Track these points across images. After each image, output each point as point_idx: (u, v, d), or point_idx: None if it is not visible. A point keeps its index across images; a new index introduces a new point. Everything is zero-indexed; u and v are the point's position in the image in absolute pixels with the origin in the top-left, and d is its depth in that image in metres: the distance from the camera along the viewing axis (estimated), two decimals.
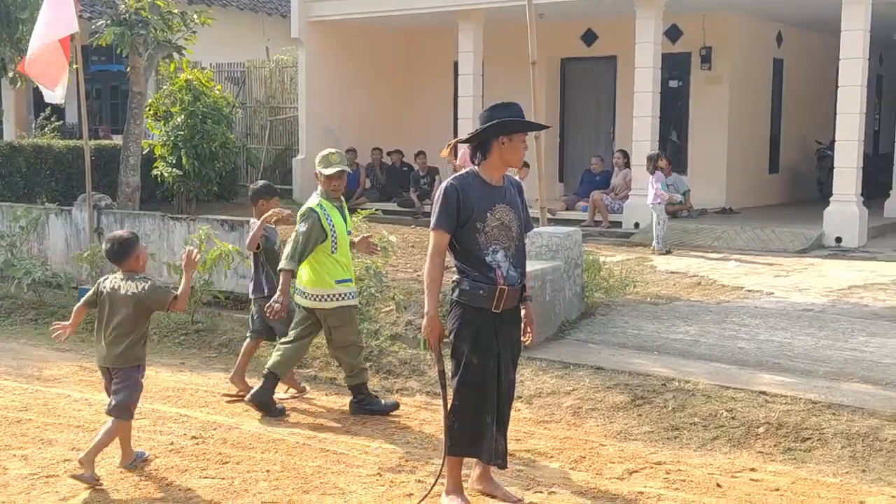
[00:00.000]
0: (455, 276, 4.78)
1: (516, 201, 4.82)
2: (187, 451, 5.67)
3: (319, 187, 6.60)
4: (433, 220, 4.73)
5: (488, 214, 4.68)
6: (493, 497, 4.91)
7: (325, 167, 6.50)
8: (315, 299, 6.41)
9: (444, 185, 4.76)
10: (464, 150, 11.69)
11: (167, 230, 10.51)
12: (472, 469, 5.02)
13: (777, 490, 5.11)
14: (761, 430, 5.95)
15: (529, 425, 6.24)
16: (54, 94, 10.30)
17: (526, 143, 4.83)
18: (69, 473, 5.16)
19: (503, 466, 4.96)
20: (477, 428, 4.72)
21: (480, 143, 4.73)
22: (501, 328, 4.74)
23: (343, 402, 6.81)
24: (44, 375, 7.59)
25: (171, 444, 5.81)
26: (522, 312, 4.88)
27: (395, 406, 6.58)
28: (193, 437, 5.94)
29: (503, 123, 4.65)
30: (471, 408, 4.71)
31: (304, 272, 6.42)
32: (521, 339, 4.93)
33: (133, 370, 5.34)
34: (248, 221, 10.04)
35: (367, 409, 6.51)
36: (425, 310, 4.68)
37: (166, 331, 8.90)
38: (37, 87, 16.02)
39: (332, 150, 6.70)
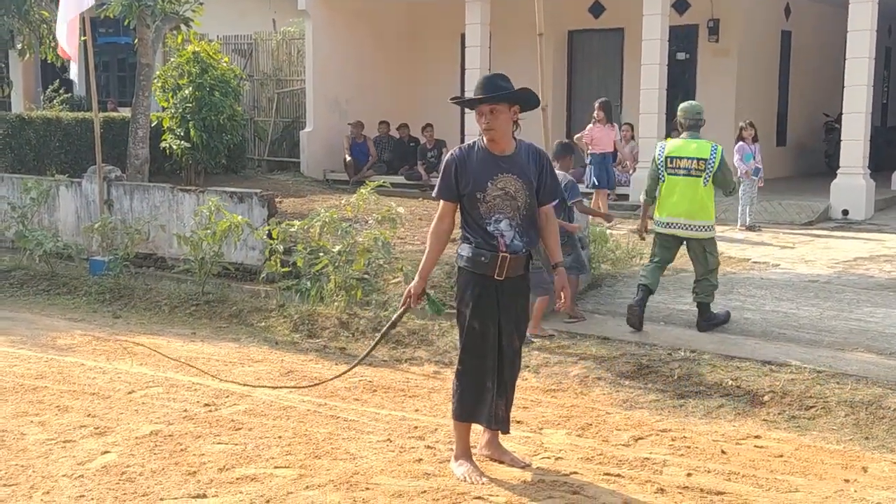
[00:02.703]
0: (459, 244, 4.88)
1: (527, 171, 4.77)
2: (200, 418, 5.77)
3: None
4: (435, 189, 4.93)
5: (489, 184, 4.72)
6: (502, 462, 4.99)
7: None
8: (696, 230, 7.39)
9: (446, 155, 4.88)
10: (589, 129, 11.90)
11: (176, 202, 10.59)
12: (480, 436, 5.10)
13: (781, 456, 5.19)
14: (766, 398, 6.03)
15: (537, 394, 6.32)
16: (74, 71, 10.47)
17: (486, 114, 4.70)
18: None
19: (506, 431, 5.04)
20: (478, 392, 4.82)
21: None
22: (503, 295, 4.79)
23: (353, 371, 6.90)
24: (58, 344, 7.69)
25: (185, 411, 5.91)
26: (555, 279, 4.97)
27: (728, 315, 7.54)
28: (206, 405, 6.04)
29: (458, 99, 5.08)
30: (472, 372, 4.82)
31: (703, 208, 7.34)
32: (556, 305, 5.09)
33: None
34: (256, 193, 10.12)
35: (714, 324, 7.37)
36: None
37: (177, 301, 8.99)
38: (45, 60, 16.13)
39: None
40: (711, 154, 7.31)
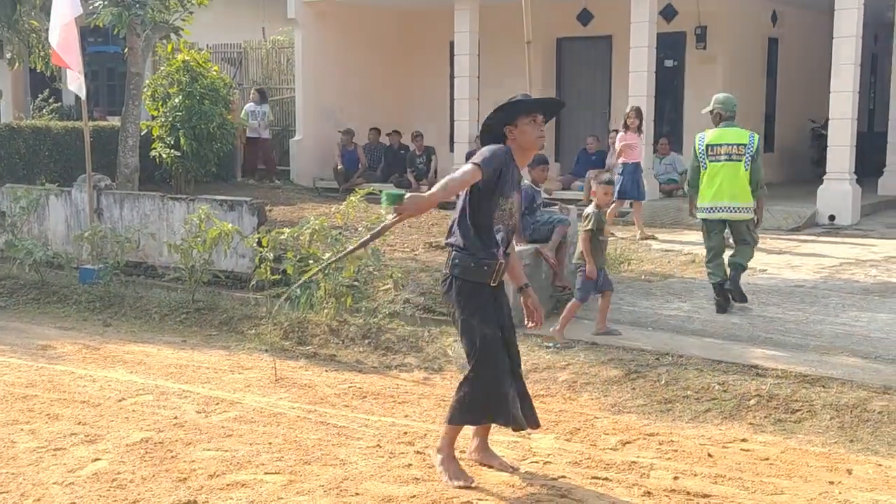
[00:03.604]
0: (455, 253, 4.81)
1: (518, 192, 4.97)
2: (191, 425, 5.79)
3: None
4: (478, 158, 4.61)
5: (511, 195, 4.79)
6: (490, 467, 5.03)
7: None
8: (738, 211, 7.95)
9: (496, 146, 4.71)
10: (621, 136, 11.65)
11: (167, 210, 10.61)
12: (469, 440, 5.14)
13: (767, 459, 5.25)
14: (752, 402, 6.08)
15: None
16: (76, 84, 10.48)
17: (541, 124, 4.79)
18: None
19: (538, 425, 5.01)
20: (499, 397, 4.78)
21: (495, 135, 4.80)
22: (499, 299, 4.90)
23: (342, 377, 6.95)
24: (48, 353, 7.71)
25: (175, 418, 5.94)
26: (523, 300, 5.02)
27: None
28: (197, 412, 6.07)
29: (502, 108, 4.76)
30: (491, 379, 4.77)
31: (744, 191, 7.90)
32: (528, 324, 5.06)
33: None
34: (246, 201, 10.15)
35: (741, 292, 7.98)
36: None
37: (167, 309, 9.01)
38: (33, 69, 16.15)
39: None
40: (750, 140, 7.93)
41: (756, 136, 7.99)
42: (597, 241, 7.48)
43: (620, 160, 11.86)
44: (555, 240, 8.21)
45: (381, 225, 4.85)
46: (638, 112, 12.10)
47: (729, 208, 7.94)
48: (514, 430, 5.04)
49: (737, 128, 8.03)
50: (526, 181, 8.26)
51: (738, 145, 7.89)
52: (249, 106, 16.39)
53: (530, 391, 6.43)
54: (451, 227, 4.89)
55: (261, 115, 16.39)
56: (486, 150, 4.69)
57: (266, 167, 16.77)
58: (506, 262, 4.88)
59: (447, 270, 4.89)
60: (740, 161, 7.87)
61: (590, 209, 7.52)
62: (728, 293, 7.99)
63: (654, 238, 11.45)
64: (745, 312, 7.93)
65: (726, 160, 7.91)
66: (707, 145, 7.99)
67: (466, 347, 4.85)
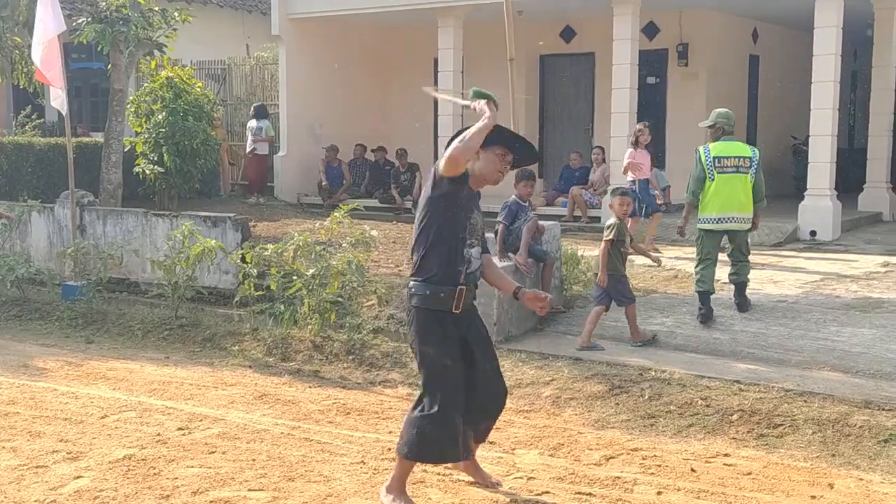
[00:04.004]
0: (412, 282, 4.70)
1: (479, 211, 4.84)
2: (174, 442, 5.77)
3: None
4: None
5: (473, 213, 4.71)
6: (475, 483, 5.03)
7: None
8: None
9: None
10: (631, 153, 11.45)
11: (150, 227, 10.59)
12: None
13: (749, 474, 5.27)
14: (735, 417, 6.11)
15: (510, 414, 6.36)
16: (58, 100, 10.49)
17: (508, 164, 4.73)
18: None
19: (466, 458, 4.88)
20: (452, 434, 4.63)
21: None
22: (464, 326, 4.71)
23: (326, 394, 6.94)
24: (30, 370, 7.67)
25: (158, 435, 5.91)
26: (523, 302, 4.87)
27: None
28: (180, 429, 6.04)
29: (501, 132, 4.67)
30: (445, 414, 4.59)
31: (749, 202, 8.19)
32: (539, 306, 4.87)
33: None
34: (230, 217, 10.14)
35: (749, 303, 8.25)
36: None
37: (150, 326, 8.99)
38: (16, 85, 16.10)
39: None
40: (752, 153, 8.27)
41: (757, 151, 8.34)
42: (616, 252, 7.73)
43: (630, 176, 11.75)
44: (525, 239, 8.21)
45: (478, 105, 4.57)
46: (649, 127, 11.93)
47: (736, 219, 8.16)
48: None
49: (738, 142, 8.38)
50: (512, 196, 8.33)
51: (744, 158, 8.19)
52: (251, 123, 16.28)
53: (514, 406, 6.47)
54: (411, 253, 4.76)
55: (256, 131, 16.29)
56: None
57: (257, 183, 16.61)
58: (471, 284, 4.71)
59: (406, 302, 4.79)
60: (747, 173, 8.17)
61: (612, 220, 7.76)
62: (737, 304, 8.29)
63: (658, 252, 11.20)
64: (727, 327, 7.97)
65: (734, 172, 8.17)
66: (714, 157, 8.18)
67: (422, 379, 4.72)
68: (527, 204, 8.54)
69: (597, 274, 7.84)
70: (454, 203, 4.60)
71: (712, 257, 8.21)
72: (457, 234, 4.63)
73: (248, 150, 16.43)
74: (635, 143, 11.79)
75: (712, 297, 8.21)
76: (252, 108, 16.74)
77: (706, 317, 8.05)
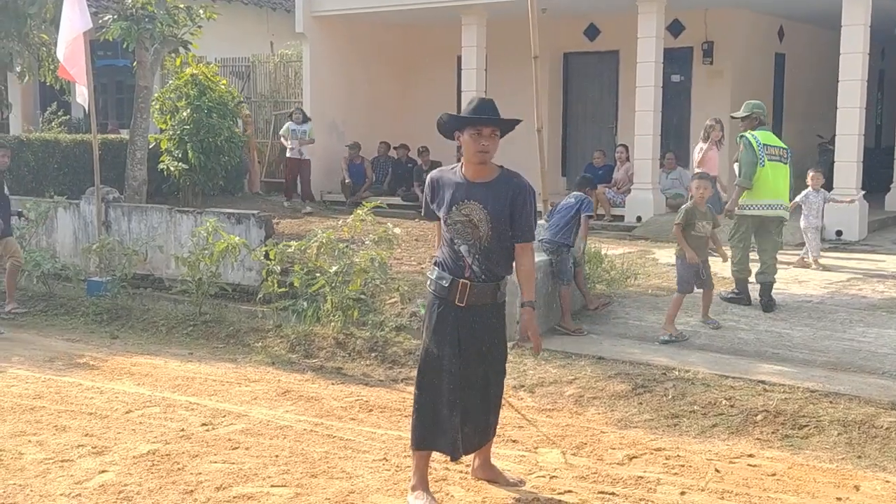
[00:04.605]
0: (430, 265, 4.87)
1: (500, 203, 4.56)
2: (198, 437, 5.80)
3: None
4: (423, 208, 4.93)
5: (453, 208, 4.61)
6: (496, 483, 5.01)
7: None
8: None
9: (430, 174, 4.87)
10: (701, 149, 11.33)
11: (174, 223, 10.65)
12: (472, 459, 5.09)
13: (774, 475, 5.23)
14: (759, 417, 6.07)
15: (532, 413, 6.36)
16: (83, 97, 10.57)
17: (488, 136, 4.54)
18: None
19: (455, 459, 4.78)
20: (435, 419, 4.65)
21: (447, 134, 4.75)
22: (466, 321, 4.64)
23: (349, 391, 6.95)
24: (55, 365, 7.73)
25: (182, 430, 5.94)
26: (522, 318, 4.69)
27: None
28: (203, 424, 6.07)
29: (445, 119, 4.71)
30: (427, 397, 4.67)
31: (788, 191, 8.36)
32: (526, 345, 4.85)
33: None
34: (253, 214, 10.18)
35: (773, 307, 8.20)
36: None
37: (174, 322, 9.04)
38: (43, 82, 16.23)
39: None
40: (785, 145, 8.47)
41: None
42: (690, 236, 7.72)
43: (697, 170, 11.45)
44: (582, 232, 8.28)
45: None
46: (720, 125, 11.63)
47: (783, 206, 8.30)
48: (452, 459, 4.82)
49: (772, 133, 8.49)
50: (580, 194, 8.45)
51: (783, 149, 8.34)
52: (290, 125, 16.03)
53: (537, 404, 6.45)
54: None
55: (301, 134, 15.92)
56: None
57: (301, 190, 16.21)
58: (490, 283, 4.64)
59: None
60: (786, 163, 8.30)
61: (687, 204, 7.82)
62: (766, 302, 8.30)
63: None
64: (751, 327, 7.92)
65: (779, 161, 8.26)
66: (763, 144, 8.23)
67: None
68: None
69: (679, 257, 7.78)
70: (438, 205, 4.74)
71: (749, 246, 8.33)
72: (447, 235, 4.72)
73: (289, 153, 16.01)
74: (706, 139, 11.60)
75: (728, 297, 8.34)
76: (295, 111, 16.28)
77: (768, 306, 8.18)
